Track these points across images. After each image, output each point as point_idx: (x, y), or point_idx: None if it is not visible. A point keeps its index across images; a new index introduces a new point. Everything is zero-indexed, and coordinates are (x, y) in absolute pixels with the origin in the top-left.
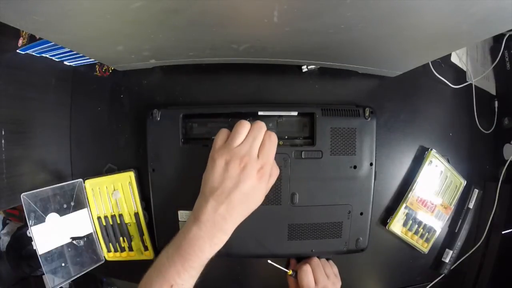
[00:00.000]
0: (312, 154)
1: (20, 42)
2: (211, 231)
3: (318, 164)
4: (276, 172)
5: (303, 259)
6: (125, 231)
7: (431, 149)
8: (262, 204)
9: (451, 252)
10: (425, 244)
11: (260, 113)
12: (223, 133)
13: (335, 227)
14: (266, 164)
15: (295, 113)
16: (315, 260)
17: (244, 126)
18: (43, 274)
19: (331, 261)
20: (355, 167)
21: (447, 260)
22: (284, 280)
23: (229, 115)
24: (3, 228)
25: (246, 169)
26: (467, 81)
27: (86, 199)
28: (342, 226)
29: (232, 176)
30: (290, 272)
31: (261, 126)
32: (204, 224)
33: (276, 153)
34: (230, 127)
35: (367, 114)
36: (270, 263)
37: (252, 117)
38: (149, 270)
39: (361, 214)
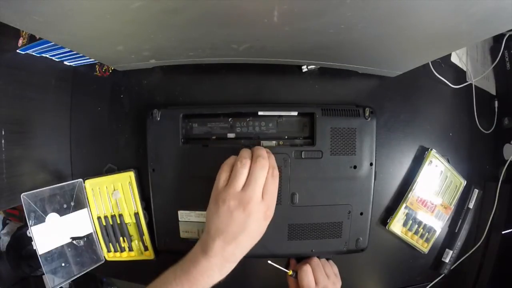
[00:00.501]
0: (312, 154)
1: (20, 42)
2: (220, 263)
3: (318, 164)
4: None
5: (303, 259)
6: (125, 231)
7: (431, 149)
8: None
9: (451, 252)
10: (425, 244)
11: (260, 113)
12: (225, 171)
13: (335, 227)
14: (271, 205)
15: (295, 113)
16: (315, 260)
17: (244, 166)
18: (43, 274)
19: (331, 261)
20: (355, 167)
21: (447, 260)
22: (284, 280)
23: (229, 115)
24: (3, 228)
25: (252, 215)
26: (467, 81)
27: (86, 199)
28: (342, 226)
29: (238, 222)
30: (290, 272)
31: (263, 165)
32: (213, 258)
33: (276, 153)
34: (231, 127)
35: (367, 114)
36: (270, 263)
37: (252, 117)
38: (153, 285)
39: (361, 214)
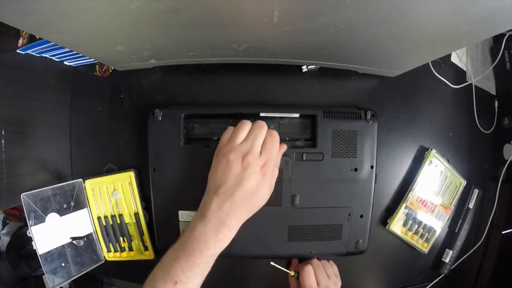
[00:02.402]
0: (313, 156)
1: (20, 42)
2: (216, 227)
3: (319, 166)
4: (275, 172)
5: (304, 259)
6: (125, 231)
7: (431, 149)
8: (263, 205)
9: (451, 252)
10: (425, 244)
11: (262, 114)
12: (229, 130)
13: (335, 229)
14: (269, 161)
15: (297, 115)
16: (316, 260)
17: (246, 124)
18: (43, 274)
19: (331, 261)
20: (355, 169)
21: (447, 260)
22: (285, 280)
23: (231, 116)
24: (3, 228)
25: (249, 167)
26: (467, 81)
27: (86, 199)
28: (342, 228)
29: (235, 175)
30: (292, 273)
31: (262, 124)
32: (209, 220)
33: None
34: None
35: (368, 117)
36: (273, 265)
37: (254, 119)
38: (155, 267)
39: (361, 216)
